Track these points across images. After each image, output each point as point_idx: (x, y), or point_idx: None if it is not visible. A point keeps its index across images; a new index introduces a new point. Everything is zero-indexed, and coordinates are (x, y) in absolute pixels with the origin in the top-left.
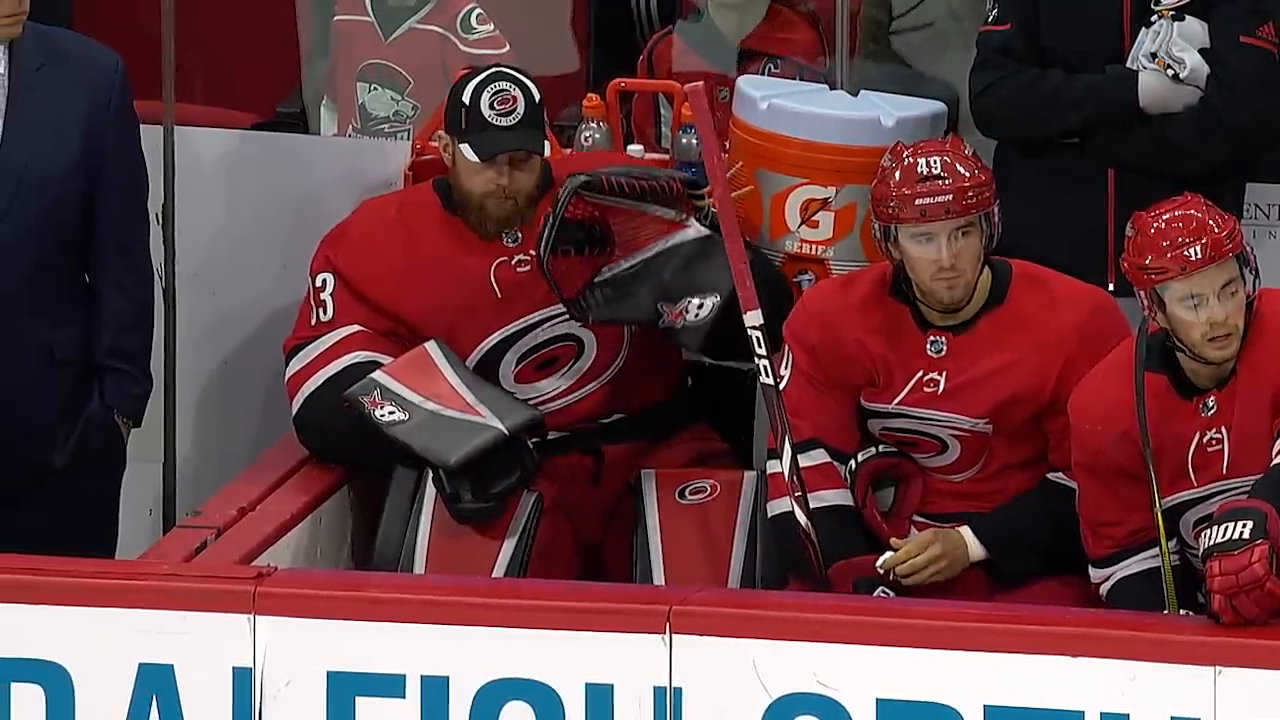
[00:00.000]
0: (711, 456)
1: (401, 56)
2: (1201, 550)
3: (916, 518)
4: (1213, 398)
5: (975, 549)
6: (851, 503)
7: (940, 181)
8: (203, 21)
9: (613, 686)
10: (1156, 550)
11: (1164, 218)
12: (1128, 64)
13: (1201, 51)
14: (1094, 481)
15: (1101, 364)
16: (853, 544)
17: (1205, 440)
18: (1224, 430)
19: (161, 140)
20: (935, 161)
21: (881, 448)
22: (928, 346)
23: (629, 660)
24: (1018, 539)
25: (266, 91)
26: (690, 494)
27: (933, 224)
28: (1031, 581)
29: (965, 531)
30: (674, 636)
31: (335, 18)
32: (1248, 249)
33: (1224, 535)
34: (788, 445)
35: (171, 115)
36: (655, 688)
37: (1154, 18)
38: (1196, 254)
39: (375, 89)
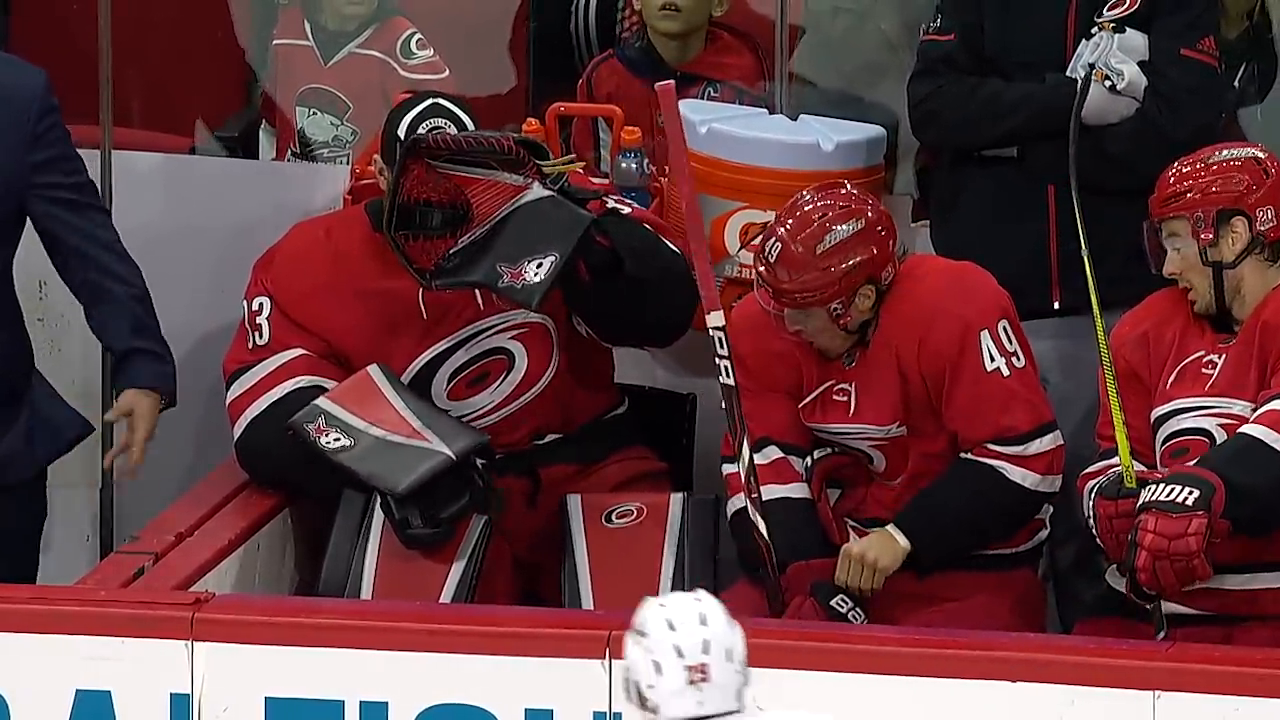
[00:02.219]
0: (649, 477)
1: (341, 81)
2: (1141, 501)
3: (849, 520)
4: (1235, 335)
5: (901, 539)
6: (806, 495)
7: (769, 271)
8: (141, 45)
9: (552, 711)
10: (1144, 469)
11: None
12: (1067, 74)
13: (1141, 64)
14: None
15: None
16: (804, 536)
17: (1204, 359)
18: (1223, 357)
19: (99, 163)
20: (775, 248)
21: (836, 449)
22: (843, 358)
23: (569, 685)
24: (935, 521)
25: (205, 115)
26: (617, 518)
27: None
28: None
29: (889, 528)
30: (614, 661)
31: (275, 41)
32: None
33: (1167, 495)
34: (745, 447)
35: (109, 139)
36: (595, 713)
37: (1094, 29)
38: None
39: (314, 113)
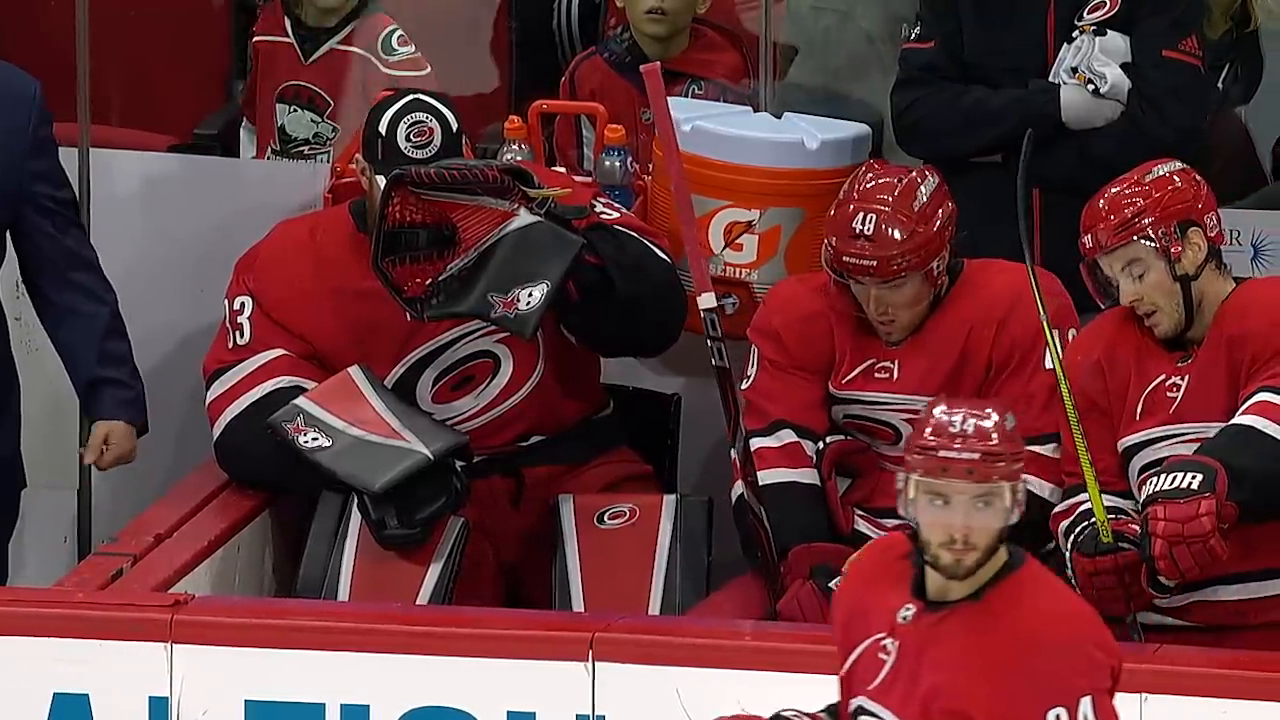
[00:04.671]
0: (634, 479)
1: (321, 78)
2: (1144, 495)
3: (857, 510)
4: (1193, 351)
5: None
6: (815, 481)
7: (866, 244)
8: (119, 43)
9: (535, 714)
10: (1120, 499)
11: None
12: (1050, 79)
13: (1125, 66)
14: (1067, 418)
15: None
16: (812, 521)
17: (1167, 384)
18: (1185, 378)
19: (77, 162)
20: (870, 220)
21: (850, 437)
22: (883, 339)
23: (552, 688)
24: None
25: (184, 114)
26: (609, 519)
27: (858, 280)
28: None
29: None
30: (597, 664)
31: (254, 38)
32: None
33: (1171, 483)
34: (741, 429)
35: (87, 137)
36: (578, 715)
37: (1076, 33)
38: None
39: (295, 110)
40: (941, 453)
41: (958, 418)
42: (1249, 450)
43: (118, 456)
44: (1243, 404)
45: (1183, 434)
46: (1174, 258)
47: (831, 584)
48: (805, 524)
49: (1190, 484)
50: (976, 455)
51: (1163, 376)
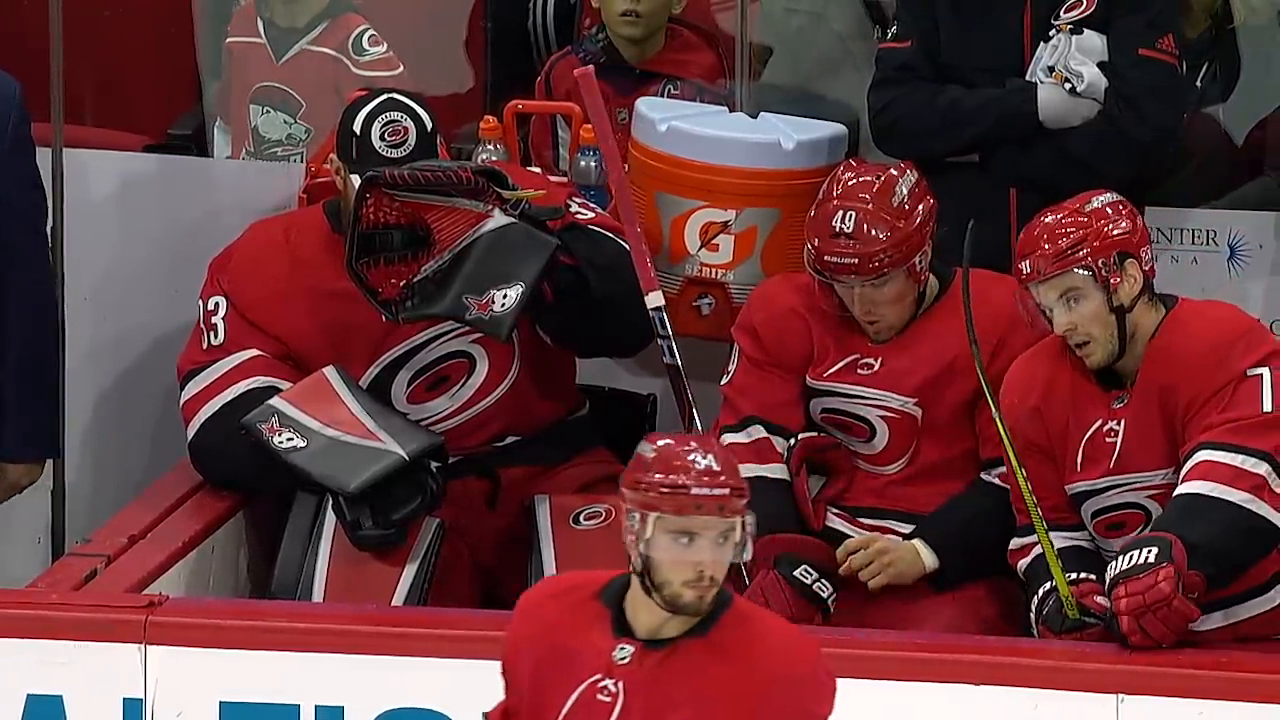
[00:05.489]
0: (609, 480)
1: (294, 78)
2: (1108, 581)
3: (832, 508)
4: (1127, 392)
5: (929, 559)
6: (784, 476)
7: (848, 242)
8: (93, 43)
9: None
10: (1074, 532)
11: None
12: (1027, 79)
13: (1101, 65)
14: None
15: (1039, 343)
16: (778, 514)
17: (1104, 429)
18: (1121, 423)
19: (51, 163)
20: (850, 218)
21: (825, 433)
22: (870, 337)
23: None
24: (967, 547)
25: (158, 114)
26: (585, 519)
27: (841, 279)
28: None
29: (916, 543)
30: None
31: (227, 39)
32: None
33: (1129, 563)
34: (695, 424)
35: (61, 137)
36: None
37: (1052, 32)
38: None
39: (268, 111)
40: (694, 490)
41: (694, 455)
42: (1200, 520)
43: (6, 490)
44: (1184, 461)
45: (1127, 483)
46: (1112, 288)
47: (795, 573)
48: (771, 517)
49: (1147, 559)
50: (727, 491)
51: (1100, 422)
